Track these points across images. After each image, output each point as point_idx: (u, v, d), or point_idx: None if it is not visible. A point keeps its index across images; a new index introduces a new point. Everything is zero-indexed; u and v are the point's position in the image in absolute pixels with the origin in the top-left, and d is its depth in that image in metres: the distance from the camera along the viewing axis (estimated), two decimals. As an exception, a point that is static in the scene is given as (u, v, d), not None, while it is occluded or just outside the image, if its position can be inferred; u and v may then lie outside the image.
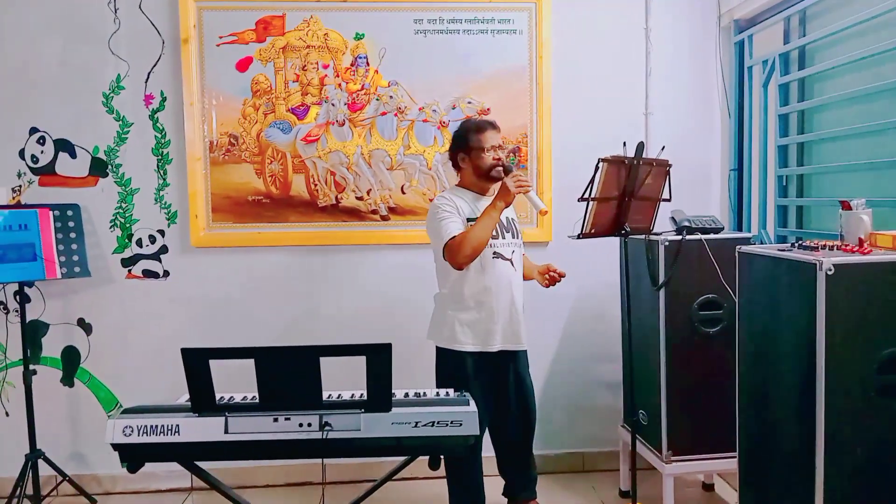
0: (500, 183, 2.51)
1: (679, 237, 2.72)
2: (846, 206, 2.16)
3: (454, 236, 2.42)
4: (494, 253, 2.54)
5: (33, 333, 3.18)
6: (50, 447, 3.04)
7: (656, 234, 2.76)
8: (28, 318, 3.02)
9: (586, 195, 2.43)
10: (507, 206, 2.48)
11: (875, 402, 1.88)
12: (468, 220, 2.51)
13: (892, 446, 1.89)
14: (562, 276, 2.61)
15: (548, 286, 2.64)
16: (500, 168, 2.55)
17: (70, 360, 3.24)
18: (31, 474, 2.92)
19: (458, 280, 2.53)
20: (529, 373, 2.70)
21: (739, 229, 3.37)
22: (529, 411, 2.69)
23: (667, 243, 2.71)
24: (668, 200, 2.68)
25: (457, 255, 2.41)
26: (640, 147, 2.50)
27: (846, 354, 1.87)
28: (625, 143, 2.50)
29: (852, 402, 1.88)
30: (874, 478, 1.91)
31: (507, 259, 2.57)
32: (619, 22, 3.35)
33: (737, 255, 2.31)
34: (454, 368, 2.54)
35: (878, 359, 1.87)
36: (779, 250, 2.11)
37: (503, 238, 2.57)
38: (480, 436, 2.32)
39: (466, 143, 2.58)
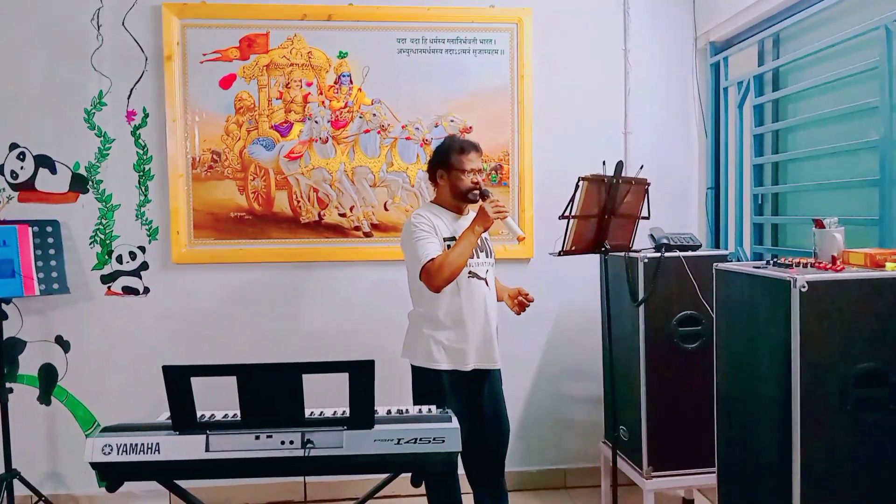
0: (475, 204, 2.53)
1: (658, 254, 2.76)
2: (819, 224, 2.20)
3: (432, 259, 2.41)
4: (470, 272, 2.53)
5: (10, 351, 3.14)
6: (26, 467, 2.99)
7: (635, 251, 2.80)
8: (5, 336, 2.98)
9: (567, 213, 2.47)
10: (485, 231, 2.50)
11: (851, 416, 1.91)
12: (446, 239, 2.51)
13: (869, 459, 1.92)
14: (531, 300, 2.61)
15: (518, 313, 2.63)
16: (477, 192, 2.55)
17: (47, 378, 3.20)
18: (5, 495, 2.87)
19: (433, 299, 2.51)
20: (503, 390, 2.70)
21: (716, 246, 3.42)
22: (504, 427, 2.69)
23: (646, 260, 2.75)
24: (647, 218, 2.72)
25: (434, 278, 2.41)
26: (620, 166, 2.55)
27: (821, 369, 1.90)
28: (604, 162, 2.54)
29: (828, 416, 1.91)
30: (850, 491, 1.94)
31: (482, 278, 2.58)
32: (599, 43, 3.41)
33: (714, 272, 2.35)
34: (430, 386, 2.53)
35: (854, 373, 1.90)
36: (754, 267, 2.15)
37: (478, 257, 2.57)
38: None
39: (448, 161, 2.58)
